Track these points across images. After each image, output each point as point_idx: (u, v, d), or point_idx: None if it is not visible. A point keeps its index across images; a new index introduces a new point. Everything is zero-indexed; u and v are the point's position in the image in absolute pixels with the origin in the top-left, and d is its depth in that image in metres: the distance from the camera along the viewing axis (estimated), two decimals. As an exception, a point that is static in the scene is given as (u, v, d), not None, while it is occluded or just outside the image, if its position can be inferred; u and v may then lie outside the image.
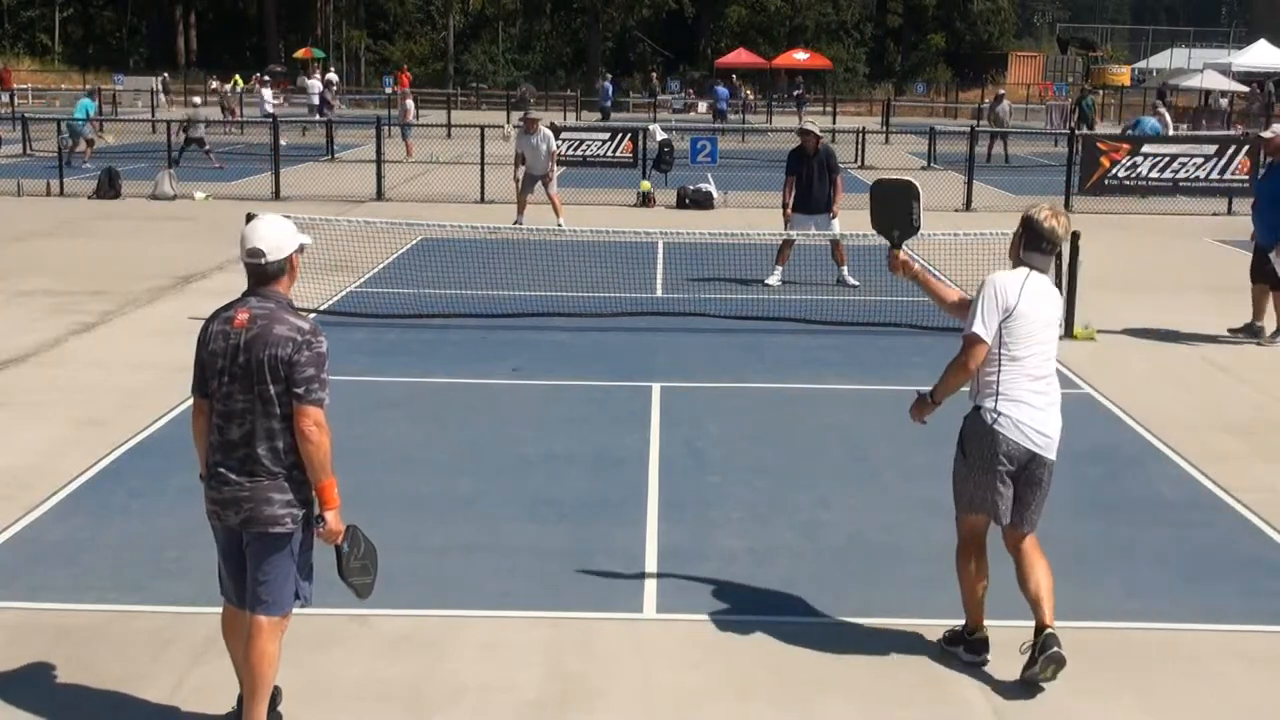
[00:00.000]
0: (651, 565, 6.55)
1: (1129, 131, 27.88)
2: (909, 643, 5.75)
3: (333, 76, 57.19)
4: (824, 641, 5.75)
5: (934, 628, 5.86)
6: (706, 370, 10.63)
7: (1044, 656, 5.26)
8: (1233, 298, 13.51)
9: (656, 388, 9.98)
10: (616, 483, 7.85)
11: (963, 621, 5.68)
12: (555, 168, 18.93)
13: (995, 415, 5.38)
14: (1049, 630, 5.33)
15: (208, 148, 27.14)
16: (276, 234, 4.63)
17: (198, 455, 4.77)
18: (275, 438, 4.60)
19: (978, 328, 5.35)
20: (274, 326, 4.54)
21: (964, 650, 5.65)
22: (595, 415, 9.32)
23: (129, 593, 6.11)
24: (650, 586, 6.30)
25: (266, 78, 47.71)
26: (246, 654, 4.64)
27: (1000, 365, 5.35)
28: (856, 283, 14.08)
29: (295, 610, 4.83)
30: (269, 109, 41.21)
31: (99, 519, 7.10)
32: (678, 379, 10.30)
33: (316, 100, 42.87)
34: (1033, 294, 5.40)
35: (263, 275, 4.62)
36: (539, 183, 18.44)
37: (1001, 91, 38.45)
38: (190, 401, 4.80)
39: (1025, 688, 5.35)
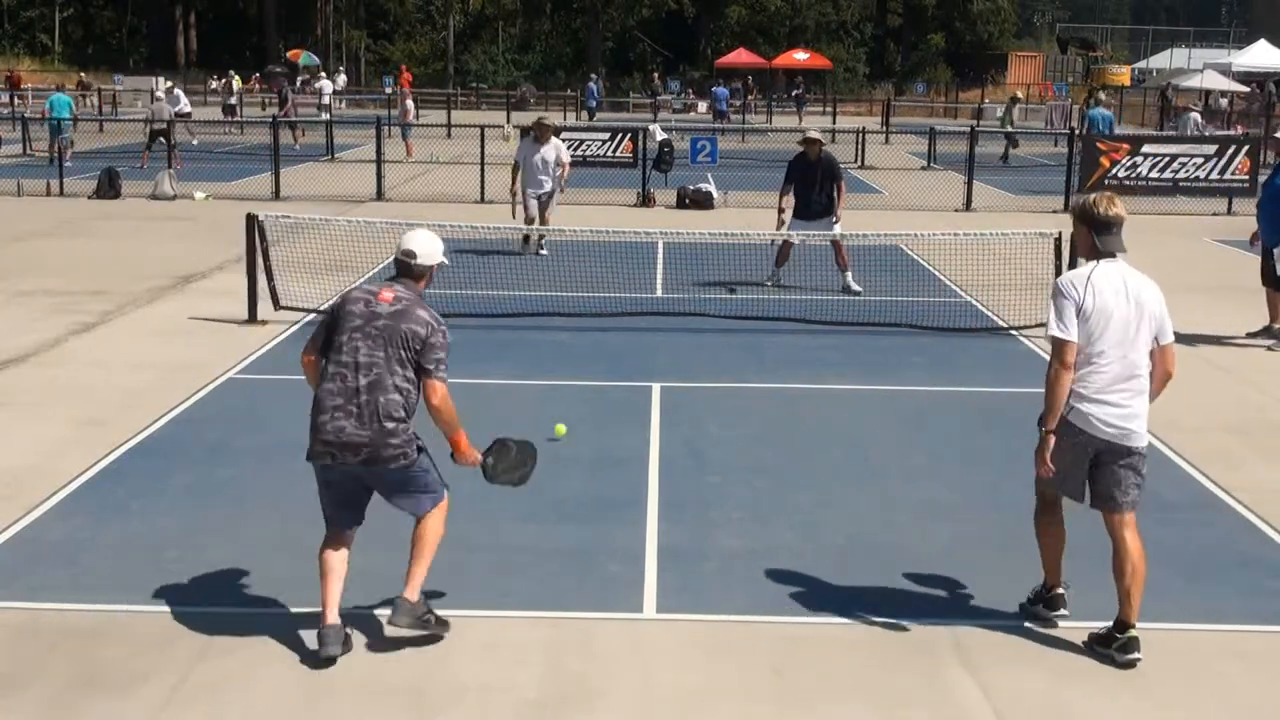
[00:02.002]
0: (651, 565, 6.55)
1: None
2: (909, 643, 5.75)
3: (341, 79, 57.41)
4: (824, 641, 5.75)
5: (935, 628, 5.87)
6: (706, 370, 10.63)
7: (1122, 647, 5.52)
8: (1233, 298, 13.51)
9: (656, 388, 9.98)
10: (616, 483, 7.85)
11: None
12: (565, 182, 16.56)
13: (1069, 406, 5.57)
14: (1130, 622, 5.55)
15: (174, 143, 26.74)
16: (429, 245, 5.71)
17: (313, 384, 5.60)
18: (395, 391, 5.40)
19: (1060, 330, 5.54)
20: (415, 310, 5.50)
21: (1042, 607, 5.97)
22: (595, 415, 9.32)
23: (129, 593, 6.11)
24: (650, 586, 6.30)
25: (278, 72, 47.79)
26: (418, 529, 5.64)
27: (1079, 364, 5.55)
28: (860, 289, 14.04)
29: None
30: (327, 100, 41.26)
31: (99, 519, 7.10)
32: (678, 379, 10.30)
33: (327, 100, 42.92)
34: (1104, 286, 5.58)
35: (409, 271, 5.66)
36: (539, 201, 16.05)
37: (1016, 94, 38.56)
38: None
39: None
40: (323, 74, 49.52)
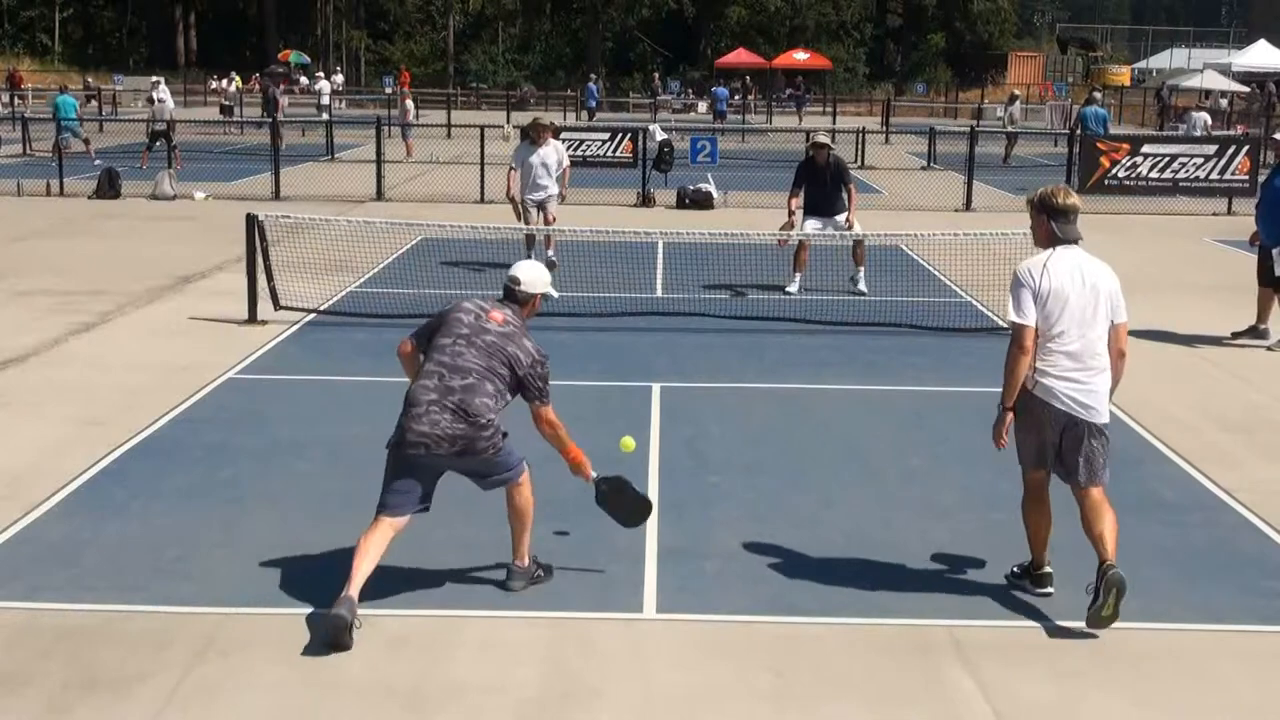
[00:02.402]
0: (651, 565, 6.55)
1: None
2: (909, 643, 5.75)
3: (338, 78, 57.36)
4: (824, 641, 5.75)
5: (934, 628, 5.87)
6: (706, 370, 10.63)
7: (1105, 583, 5.75)
8: (1233, 298, 13.51)
9: (656, 388, 9.98)
10: (616, 483, 7.83)
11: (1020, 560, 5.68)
12: (566, 186, 15.38)
13: (1034, 382, 5.98)
14: (1111, 565, 5.82)
15: (158, 145, 26.71)
16: (533, 276, 6.23)
17: (409, 372, 6.17)
18: (487, 397, 5.85)
19: (1019, 315, 5.98)
20: (521, 339, 5.99)
21: (1029, 583, 6.29)
22: (595, 415, 9.32)
23: (129, 593, 6.11)
24: (650, 586, 6.30)
25: (297, 71, 47.82)
26: (511, 505, 6.11)
27: (1043, 341, 5.95)
28: (865, 290, 14.03)
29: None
30: (326, 100, 41.30)
31: (99, 519, 7.10)
32: (678, 379, 10.30)
33: (326, 100, 42.95)
34: (1061, 271, 5.96)
35: (514, 296, 6.16)
36: (540, 208, 14.84)
37: (1016, 92, 38.53)
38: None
39: (1090, 627, 5.78)
40: (320, 74, 49.55)
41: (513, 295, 6.17)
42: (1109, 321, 6.04)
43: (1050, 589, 6.21)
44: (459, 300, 6.18)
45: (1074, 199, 6.11)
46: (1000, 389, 6.11)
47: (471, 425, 5.78)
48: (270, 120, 27.57)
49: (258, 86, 53.12)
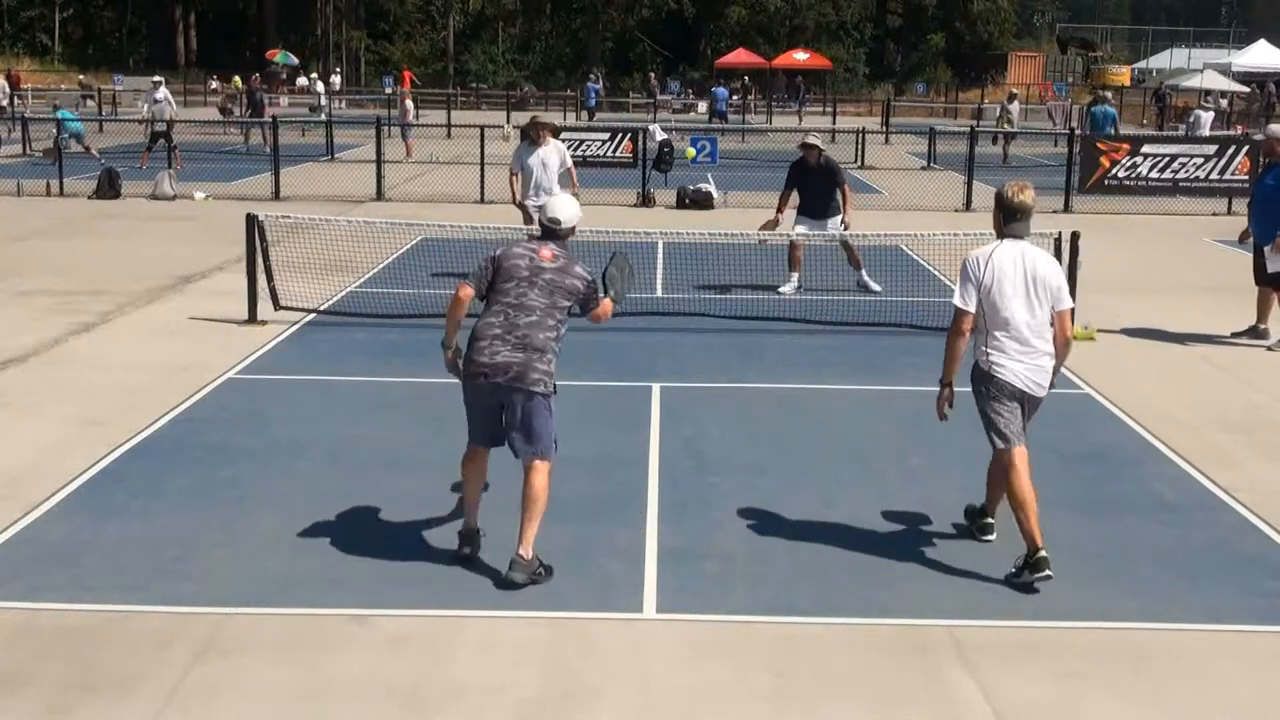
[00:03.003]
0: (651, 565, 6.55)
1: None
2: (909, 643, 5.75)
3: (335, 79, 57.34)
4: (824, 641, 5.75)
5: (934, 628, 5.87)
6: (706, 370, 10.63)
7: (1038, 570, 6.24)
8: (1233, 298, 13.51)
9: (656, 388, 9.98)
10: (616, 483, 7.85)
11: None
12: (578, 187, 14.43)
13: (989, 363, 6.49)
14: (1038, 548, 6.29)
15: (158, 145, 26.70)
16: (571, 212, 6.67)
17: (449, 331, 6.50)
18: (549, 330, 6.32)
19: (958, 300, 6.51)
20: (574, 267, 6.47)
21: (977, 530, 7.02)
22: (595, 415, 9.32)
23: (129, 593, 6.11)
24: (650, 586, 6.30)
25: (290, 73, 47.89)
26: (529, 488, 6.31)
27: (991, 328, 6.46)
28: (879, 287, 14.01)
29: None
30: (322, 101, 41.29)
31: (99, 519, 7.10)
32: (678, 379, 10.31)
33: (323, 100, 42.97)
34: (1002, 263, 6.43)
35: (554, 235, 6.57)
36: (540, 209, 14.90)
37: (1014, 90, 38.51)
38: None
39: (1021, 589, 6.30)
40: (315, 74, 49.52)
41: (554, 234, 6.58)
42: (1051, 308, 6.43)
43: (991, 538, 6.96)
44: (507, 247, 6.54)
45: (1025, 196, 6.49)
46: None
47: (529, 355, 6.22)
48: (270, 120, 27.54)
49: (258, 86, 53.16)
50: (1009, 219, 6.52)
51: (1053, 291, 6.42)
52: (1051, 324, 6.44)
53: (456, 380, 6.60)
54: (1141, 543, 7.01)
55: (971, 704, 5.23)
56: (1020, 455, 6.46)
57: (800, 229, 14.01)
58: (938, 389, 6.66)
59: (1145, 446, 8.79)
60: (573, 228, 6.65)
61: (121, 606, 5.97)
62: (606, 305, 6.71)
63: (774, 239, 14.20)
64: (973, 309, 6.45)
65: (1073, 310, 6.65)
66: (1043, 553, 6.29)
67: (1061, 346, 6.51)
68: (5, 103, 38.59)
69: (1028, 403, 6.52)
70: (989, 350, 6.48)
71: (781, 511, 7.38)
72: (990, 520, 7.00)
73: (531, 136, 14.14)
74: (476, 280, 6.48)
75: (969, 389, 6.63)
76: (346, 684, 5.31)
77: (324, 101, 43.22)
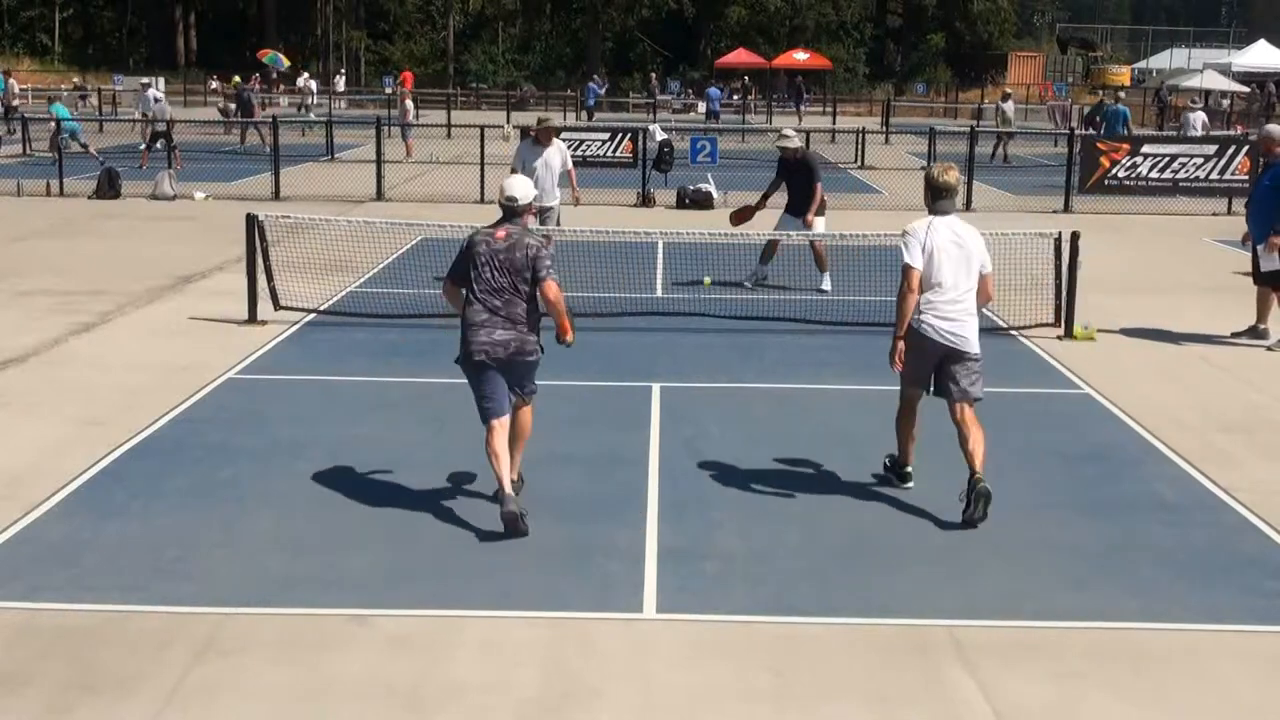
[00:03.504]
0: (651, 565, 6.55)
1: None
2: (909, 643, 5.75)
3: (340, 80, 57.37)
4: (824, 641, 5.75)
5: (934, 628, 5.87)
6: (706, 370, 10.63)
7: (974, 494, 7.08)
8: (1232, 298, 13.51)
9: (656, 388, 9.98)
10: (616, 483, 7.85)
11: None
12: (578, 189, 14.62)
13: (918, 321, 7.31)
14: (979, 478, 7.13)
15: (158, 145, 26.67)
16: (525, 190, 7.23)
17: (458, 306, 7.23)
18: (522, 305, 7.05)
19: (909, 259, 7.29)
20: (525, 238, 7.09)
21: (896, 478, 7.86)
22: (595, 415, 9.32)
23: (129, 593, 6.11)
24: (650, 586, 6.30)
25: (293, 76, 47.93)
26: (519, 424, 7.27)
27: (924, 289, 7.27)
28: (828, 288, 14.06)
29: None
30: (312, 100, 41.28)
31: (99, 519, 7.10)
32: (678, 379, 10.31)
33: (310, 100, 42.97)
34: (939, 232, 7.32)
35: (512, 213, 7.15)
36: (542, 216, 13.80)
37: (1008, 90, 38.48)
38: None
39: (964, 524, 7.05)
40: (304, 74, 49.49)
41: (512, 212, 7.16)
42: (978, 274, 7.37)
43: (909, 486, 7.74)
44: (471, 236, 7.20)
45: (949, 177, 7.40)
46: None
47: (518, 330, 7.03)
48: (270, 120, 27.54)
49: (258, 86, 53.13)
50: (937, 197, 7.42)
51: (980, 259, 7.37)
52: (975, 287, 7.38)
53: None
54: (1141, 543, 7.01)
55: (971, 704, 5.23)
56: (913, 400, 7.63)
57: (784, 226, 14.09)
58: (891, 341, 7.47)
59: (1145, 446, 8.79)
60: (529, 204, 7.24)
61: (121, 606, 5.97)
62: (550, 287, 7.08)
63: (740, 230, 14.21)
64: (921, 266, 7.25)
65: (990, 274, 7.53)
66: (910, 470, 7.72)
67: (985, 302, 7.55)
68: (16, 102, 38.56)
69: (956, 358, 7.32)
70: (920, 309, 7.30)
71: (781, 511, 7.38)
72: (908, 470, 7.82)
73: (537, 136, 14.07)
74: (453, 275, 7.26)
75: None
76: (346, 684, 5.31)
77: (313, 101, 43.19)
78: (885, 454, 7.96)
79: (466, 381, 7.15)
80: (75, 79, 51.48)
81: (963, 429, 7.34)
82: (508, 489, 6.90)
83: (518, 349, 7.06)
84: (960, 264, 7.30)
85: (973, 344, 7.36)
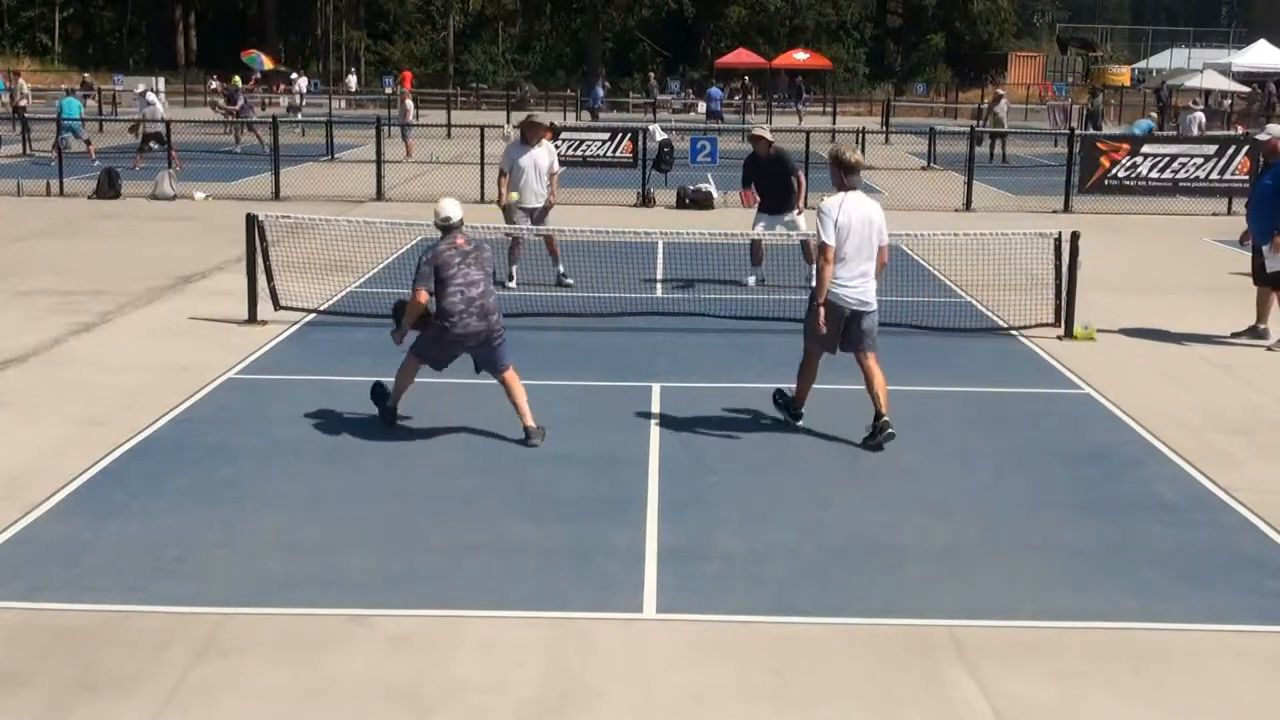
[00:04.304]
0: (651, 565, 6.55)
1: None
2: (909, 643, 5.75)
3: (351, 80, 57.39)
4: (824, 641, 5.75)
5: (934, 628, 5.87)
6: (706, 370, 10.64)
7: (881, 433, 8.43)
8: (1232, 298, 13.52)
9: (656, 388, 9.98)
10: (616, 483, 7.85)
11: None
12: (557, 193, 14.36)
13: (830, 291, 8.34)
14: (885, 417, 8.43)
15: (155, 146, 26.60)
16: (454, 208, 8.49)
17: (407, 326, 8.51)
18: (493, 295, 8.41)
19: (826, 237, 8.37)
20: (483, 246, 8.52)
21: (788, 416, 8.96)
22: (595, 415, 9.33)
23: (129, 593, 6.11)
24: (650, 586, 6.30)
25: (291, 76, 47.88)
26: (511, 385, 8.53)
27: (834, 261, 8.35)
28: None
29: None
30: (298, 102, 41.27)
31: (99, 519, 7.10)
32: (678, 379, 10.31)
33: (299, 101, 42.95)
34: (849, 210, 8.42)
35: (449, 229, 8.41)
36: (531, 217, 13.86)
37: (1000, 91, 38.47)
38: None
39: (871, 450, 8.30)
40: (294, 74, 49.44)
41: (451, 228, 8.42)
42: (878, 245, 8.53)
43: (800, 422, 8.86)
44: (431, 249, 8.35)
45: (858, 157, 8.71)
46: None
47: (490, 320, 8.33)
48: (270, 120, 27.54)
49: (257, 87, 53.07)
50: (848, 174, 8.57)
51: (879, 232, 8.55)
52: (875, 255, 8.55)
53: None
54: (1141, 543, 7.01)
55: (971, 704, 5.24)
56: (816, 357, 8.74)
57: (759, 226, 13.99)
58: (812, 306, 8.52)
59: (1145, 446, 8.79)
60: (461, 219, 8.45)
61: (121, 606, 5.97)
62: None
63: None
64: (834, 242, 8.32)
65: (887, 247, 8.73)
66: (800, 410, 8.90)
67: (880, 268, 8.63)
68: (25, 102, 38.53)
69: (862, 318, 8.49)
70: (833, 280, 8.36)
71: (781, 511, 7.38)
72: (801, 411, 8.90)
73: (527, 135, 13.95)
74: (425, 282, 8.27)
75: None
76: (346, 684, 5.31)
77: (300, 101, 43.18)
78: (777, 390, 9.14)
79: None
80: (86, 75, 51.36)
81: (868, 374, 8.53)
82: (394, 402, 8.79)
83: (488, 335, 8.34)
84: (866, 238, 8.42)
85: (873, 303, 8.53)
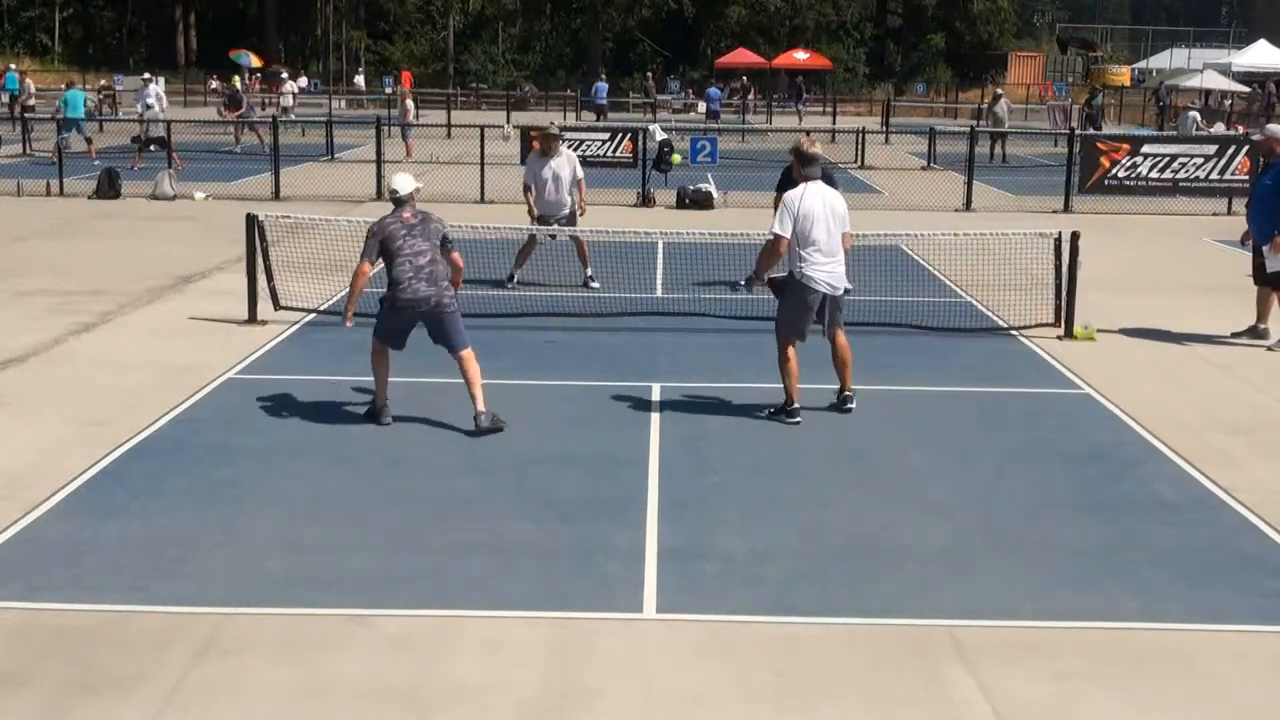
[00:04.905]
0: (651, 565, 6.55)
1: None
2: (909, 643, 5.75)
3: (359, 79, 57.41)
4: (824, 641, 5.75)
5: (934, 628, 5.87)
6: (706, 370, 10.64)
7: (844, 407, 9.32)
8: (1233, 298, 13.51)
9: (656, 388, 9.98)
10: (616, 483, 7.85)
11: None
12: (584, 201, 14.55)
13: (802, 274, 8.90)
14: (848, 391, 9.36)
15: (154, 149, 26.59)
16: (406, 181, 8.90)
17: (351, 300, 8.90)
18: (440, 264, 8.72)
19: (777, 229, 8.91)
20: (431, 217, 8.85)
21: (785, 417, 9.13)
22: (595, 415, 9.33)
23: (129, 593, 6.12)
24: (650, 586, 6.30)
25: (284, 75, 47.79)
26: (467, 371, 8.76)
27: (802, 248, 8.86)
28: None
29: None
30: (289, 102, 41.27)
31: (99, 519, 7.10)
32: (678, 379, 10.31)
33: (289, 101, 42.93)
34: (810, 199, 8.88)
35: (399, 202, 8.79)
36: (558, 222, 14.08)
37: (999, 91, 38.48)
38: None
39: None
40: (285, 75, 49.39)
41: (401, 202, 8.78)
42: (842, 232, 9.00)
43: (799, 420, 9.07)
44: (378, 223, 8.77)
45: (817, 149, 9.32)
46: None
47: (440, 287, 8.66)
48: (270, 120, 27.54)
49: (258, 86, 53.11)
50: (806, 164, 9.06)
51: (843, 220, 9.01)
52: (842, 243, 9.03)
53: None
54: (1141, 543, 7.01)
55: (971, 704, 5.24)
56: (794, 346, 9.07)
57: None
58: (747, 280, 9.42)
59: (1145, 446, 8.79)
60: (411, 193, 8.80)
61: (121, 606, 5.97)
62: (456, 257, 8.85)
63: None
64: (788, 235, 8.82)
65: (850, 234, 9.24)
66: (796, 405, 9.07)
67: (846, 254, 9.05)
68: (33, 101, 38.51)
69: (830, 302, 9.00)
70: (801, 264, 8.86)
71: (781, 511, 7.38)
72: (797, 406, 9.12)
73: (543, 148, 14.11)
74: (369, 254, 8.70)
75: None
76: (346, 684, 5.31)
77: (293, 102, 43.16)
78: (769, 407, 9.27)
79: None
80: (104, 81, 51.26)
81: (837, 349, 9.22)
82: (381, 400, 8.97)
83: (437, 302, 8.65)
84: (830, 223, 8.90)
85: (841, 287, 9.07)
